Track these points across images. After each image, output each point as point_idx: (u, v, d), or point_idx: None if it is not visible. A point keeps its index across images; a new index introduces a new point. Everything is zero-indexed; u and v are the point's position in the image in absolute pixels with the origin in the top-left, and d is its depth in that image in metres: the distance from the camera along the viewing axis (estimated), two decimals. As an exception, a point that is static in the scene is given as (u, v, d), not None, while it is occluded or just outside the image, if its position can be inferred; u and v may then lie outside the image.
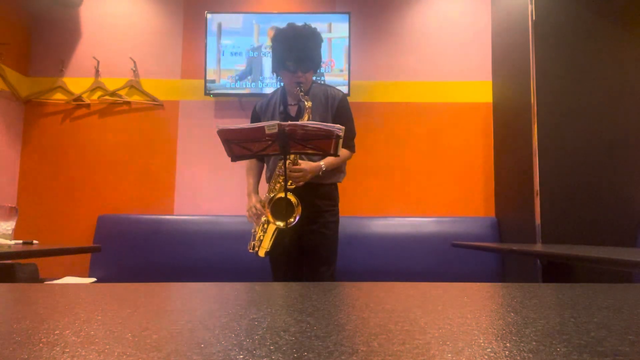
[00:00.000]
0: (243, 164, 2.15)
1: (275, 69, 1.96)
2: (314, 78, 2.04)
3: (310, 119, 1.85)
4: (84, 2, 3.11)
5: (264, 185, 2.03)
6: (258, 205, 1.92)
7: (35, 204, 2.99)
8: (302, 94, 1.86)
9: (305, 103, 1.86)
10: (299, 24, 1.91)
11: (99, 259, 2.82)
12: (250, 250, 1.89)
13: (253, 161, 2.09)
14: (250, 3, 3.15)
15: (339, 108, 1.97)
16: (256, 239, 1.88)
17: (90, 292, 0.53)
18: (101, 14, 3.14)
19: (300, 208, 1.74)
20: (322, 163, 1.87)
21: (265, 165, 2.08)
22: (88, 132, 3.06)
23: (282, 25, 1.96)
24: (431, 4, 3.12)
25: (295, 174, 1.80)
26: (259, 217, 1.91)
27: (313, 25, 1.92)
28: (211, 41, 2.99)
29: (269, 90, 2.92)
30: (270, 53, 1.97)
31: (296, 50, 1.86)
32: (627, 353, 0.27)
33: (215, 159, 3.00)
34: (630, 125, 2.31)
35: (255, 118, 2.04)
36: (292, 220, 1.74)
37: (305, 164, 1.83)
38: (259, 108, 2.06)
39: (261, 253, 1.84)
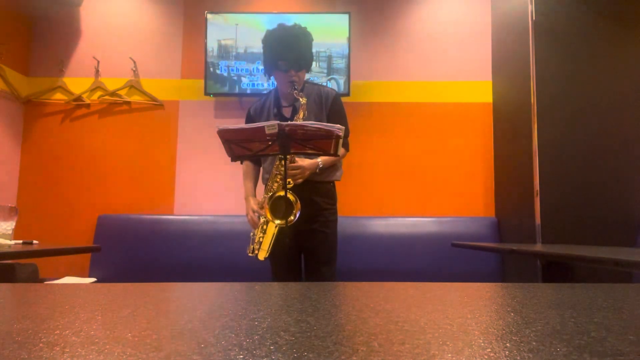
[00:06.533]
0: (242, 166, 2.15)
1: (268, 70, 1.97)
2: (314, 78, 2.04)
3: (305, 116, 1.86)
4: (84, 2, 3.11)
5: (261, 189, 2.03)
6: (256, 207, 1.92)
7: (35, 204, 2.99)
8: (296, 91, 1.87)
9: (300, 100, 1.87)
10: (289, 24, 1.93)
11: (99, 259, 2.82)
12: (250, 254, 1.87)
13: (250, 165, 2.09)
14: (250, 3, 3.15)
15: (332, 106, 1.99)
16: (255, 241, 1.87)
17: (90, 292, 0.53)
18: (101, 14, 3.14)
19: (299, 205, 1.74)
20: (319, 160, 1.88)
21: (262, 168, 2.08)
22: (88, 132, 3.06)
23: (282, 23, 1.96)
24: (431, 4, 3.12)
25: (294, 171, 1.81)
26: (258, 219, 1.91)
27: (313, 25, 1.93)
28: (211, 41, 2.99)
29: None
30: (262, 55, 1.97)
31: (288, 49, 1.87)
32: (627, 353, 0.27)
33: (215, 159, 3.00)
34: (631, 125, 2.31)
35: (249, 121, 2.04)
36: (292, 218, 1.74)
37: (302, 161, 1.84)
38: (253, 111, 2.06)
39: (261, 256, 1.82)
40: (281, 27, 1.92)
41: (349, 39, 2.96)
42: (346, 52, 2.96)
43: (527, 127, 2.39)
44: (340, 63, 2.97)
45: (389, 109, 3.06)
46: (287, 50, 1.87)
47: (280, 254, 1.90)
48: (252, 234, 1.91)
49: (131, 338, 0.31)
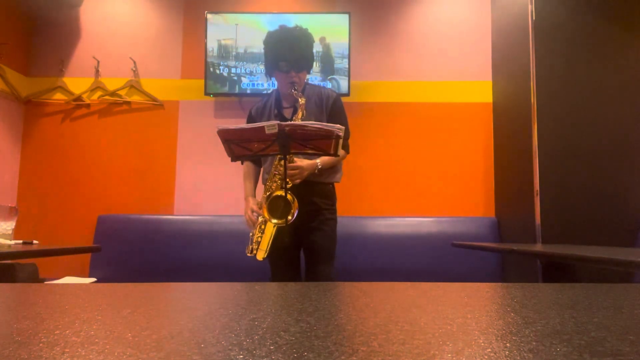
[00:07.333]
0: (242, 166, 2.15)
1: (269, 71, 1.98)
2: (311, 79, 2.05)
3: (303, 116, 1.87)
4: (84, 2, 3.11)
5: (261, 189, 2.03)
6: (255, 207, 1.93)
7: (35, 204, 2.99)
8: (295, 92, 1.88)
9: (299, 100, 1.87)
10: (290, 25, 1.95)
11: (99, 259, 2.82)
12: (249, 254, 1.87)
13: (250, 165, 2.10)
14: (250, 3, 3.15)
15: (333, 108, 1.99)
16: (254, 241, 1.87)
17: (90, 292, 0.53)
18: (101, 14, 3.14)
19: (296, 204, 1.75)
20: (318, 161, 1.88)
21: (262, 169, 2.08)
22: (88, 132, 3.06)
23: (283, 25, 1.97)
24: (431, 4, 3.12)
25: (292, 171, 1.81)
26: (256, 219, 1.91)
27: (313, 25, 1.94)
28: (211, 41, 2.99)
29: (269, 91, 2.93)
30: (263, 56, 1.99)
31: (288, 50, 1.88)
32: (627, 353, 0.27)
33: (215, 159, 3.00)
34: (630, 125, 2.31)
35: (251, 122, 2.05)
36: (289, 217, 1.74)
37: (301, 162, 1.84)
38: (254, 112, 2.07)
39: (259, 256, 1.82)
40: (283, 28, 1.94)
41: (349, 39, 2.96)
42: (346, 52, 2.96)
43: (527, 127, 2.39)
44: (340, 63, 2.97)
45: (389, 109, 3.06)
46: (288, 51, 1.89)
47: (279, 253, 1.90)
48: (251, 233, 1.91)
49: (131, 338, 0.31)
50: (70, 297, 0.49)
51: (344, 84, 2.95)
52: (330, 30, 2.97)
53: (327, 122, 1.92)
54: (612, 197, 2.26)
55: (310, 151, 1.69)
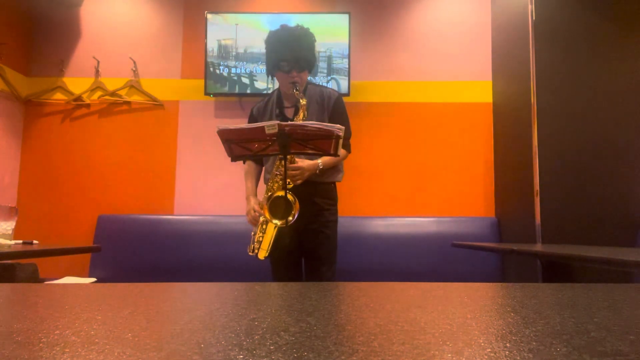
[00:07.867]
0: (243, 165, 2.15)
1: (270, 71, 1.98)
2: (309, 78, 2.05)
3: (305, 117, 1.87)
4: (84, 2, 3.11)
5: (263, 189, 2.03)
6: (257, 207, 1.92)
7: (35, 204, 2.99)
8: (297, 92, 1.88)
9: (300, 101, 1.87)
10: (291, 25, 1.95)
11: (99, 259, 2.82)
12: (250, 253, 1.87)
13: (251, 164, 2.10)
14: (250, 3, 3.15)
15: (334, 107, 1.99)
16: (255, 241, 1.88)
17: (90, 292, 0.53)
18: (101, 14, 3.14)
19: (297, 205, 1.74)
20: (320, 161, 1.88)
21: (263, 168, 2.08)
22: (88, 132, 3.06)
23: (285, 24, 1.97)
24: (431, 3, 3.12)
25: (293, 172, 1.81)
26: (257, 218, 1.91)
27: (313, 25, 1.94)
28: (211, 41, 2.99)
29: (269, 91, 2.93)
30: (265, 55, 1.99)
31: (289, 50, 1.88)
32: (627, 353, 0.27)
33: (215, 159, 3.00)
34: (630, 125, 2.31)
35: (252, 121, 2.05)
36: (290, 218, 1.74)
37: (302, 162, 1.84)
38: (256, 111, 2.07)
39: (261, 255, 1.82)
40: (284, 27, 1.94)
41: (349, 39, 2.96)
42: (346, 52, 2.96)
43: (527, 127, 2.39)
44: (340, 63, 2.97)
45: (389, 109, 3.06)
46: (289, 51, 1.88)
47: (281, 255, 1.90)
48: (252, 232, 1.91)
49: (131, 338, 0.31)
50: (70, 297, 0.49)
51: (344, 84, 2.95)
52: (330, 30, 2.97)
53: (329, 122, 1.92)
54: (612, 197, 2.26)
55: (310, 151, 1.68)
